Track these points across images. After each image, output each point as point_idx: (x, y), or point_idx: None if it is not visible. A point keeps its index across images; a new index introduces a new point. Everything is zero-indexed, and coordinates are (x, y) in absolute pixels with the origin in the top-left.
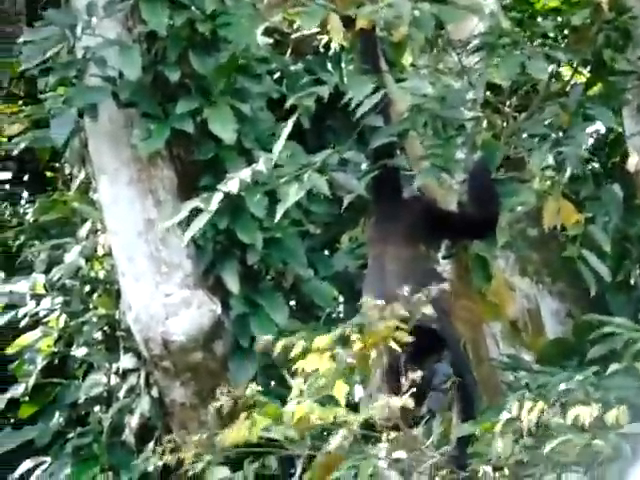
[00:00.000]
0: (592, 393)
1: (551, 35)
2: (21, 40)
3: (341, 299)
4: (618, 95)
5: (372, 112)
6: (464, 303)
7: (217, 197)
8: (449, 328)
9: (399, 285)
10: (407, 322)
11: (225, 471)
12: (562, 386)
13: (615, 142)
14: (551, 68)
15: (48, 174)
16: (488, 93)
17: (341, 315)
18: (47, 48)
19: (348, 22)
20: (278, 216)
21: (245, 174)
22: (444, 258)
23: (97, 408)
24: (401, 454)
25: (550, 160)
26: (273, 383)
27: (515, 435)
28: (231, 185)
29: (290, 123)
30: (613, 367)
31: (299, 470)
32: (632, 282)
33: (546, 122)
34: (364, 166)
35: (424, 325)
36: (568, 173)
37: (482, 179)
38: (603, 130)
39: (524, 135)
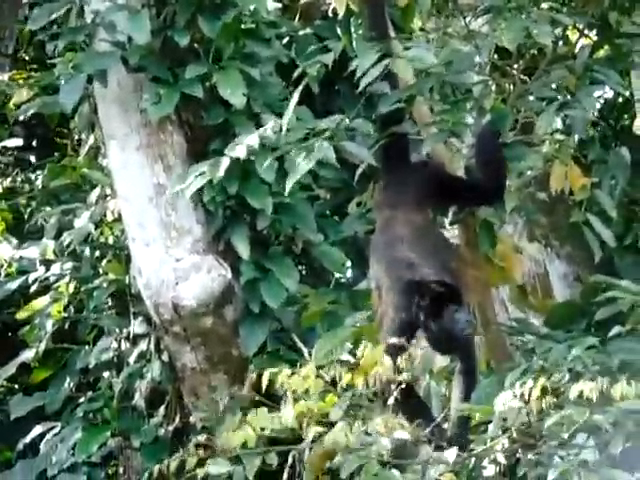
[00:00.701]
0: (592, 365)
1: None
2: (25, 1)
3: (350, 264)
4: (625, 58)
5: (379, 78)
6: (471, 268)
7: (225, 163)
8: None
9: (410, 250)
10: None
11: (225, 465)
12: (564, 355)
13: (624, 105)
14: (557, 31)
15: (57, 140)
16: (496, 57)
17: (350, 280)
18: (54, 10)
19: None
20: (288, 188)
21: (252, 139)
22: (451, 224)
23: (107, 373)
24: (402, 435)
25: (559, 123)
26: (283, 348)
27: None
28: (239, 150)
29: (298, 91)
30: (615, 330)
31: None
32: None
33: (554, 85)
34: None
35: (441, 280)
36: (577, 137)
37: (489, 145)
38: (612, 93)
39: (531, 98)
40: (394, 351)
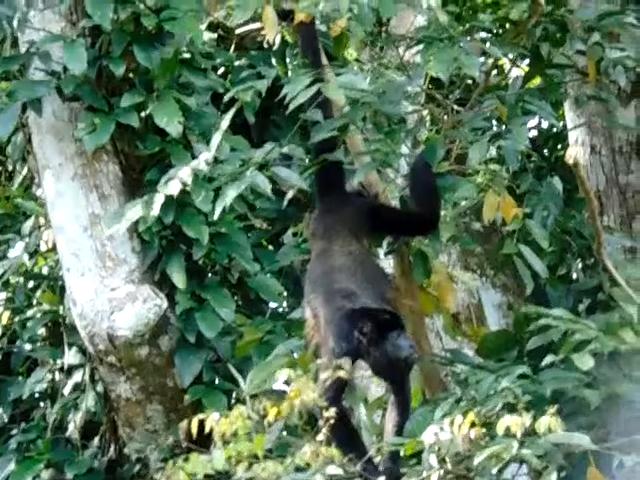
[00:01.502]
0: (523, 395)
1: (490, 29)
2: None
3: (286, 294)
4: (556, 88)
5: (312, 106)
6: (406, 298)
7: (159, 200)
8: None
9: (348, 280)
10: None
11: None
12: (494, 386)
13: (558, 135)
14: (490, 62)
15: None
16: (431, 87)
17: (286, 310)
18: None
19: (286, 16)
20: (217, 214)
21: (185, 173)
22: (386, 254)
23: (41, 404)
24: (334, 470)
25: (493, 153)
26: (219, 378)
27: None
28: (172, 187)
29: (229, 116)
30: (548, 359)
31: None
32: (573, 276)
33: (487, 115)
34: (307, 161)
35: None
36: (510, 167)
37: (423, 175)
38: (546, 124)
39: (465, 129)
40: (330, 380)
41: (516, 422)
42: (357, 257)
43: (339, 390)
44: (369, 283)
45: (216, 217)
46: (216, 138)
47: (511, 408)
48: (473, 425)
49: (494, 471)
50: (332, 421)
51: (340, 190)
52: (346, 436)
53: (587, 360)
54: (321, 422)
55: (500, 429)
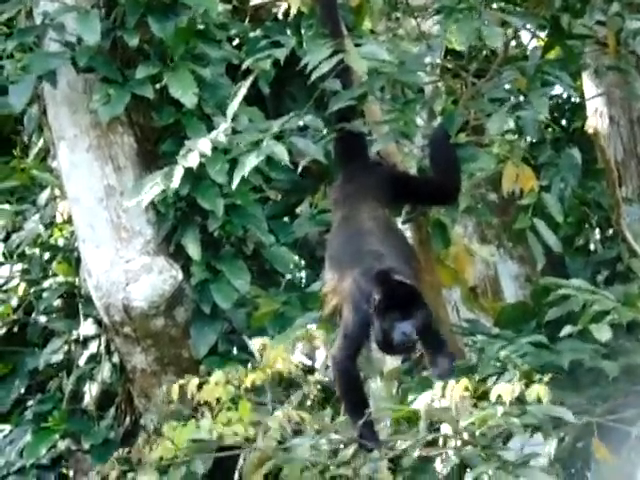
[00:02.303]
0: (522, 364)
1: None
2: None
3: (301, 265)
4: (576, 59)
5: (331, 76)
6: (424, 267)
7: (178, 172)
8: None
9: (376, 243)
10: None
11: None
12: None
13: (576, 106)
14: (509, 32)
15: (12, 138)
16: (448, 58)
17: (303, 281)
18: (2, 11)
19: None
20: (235, 183)
21: (204, 145)
22: (404, 223)
23: (58, 375)
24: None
25: (511, 124)
26: (234, 349)
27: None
28: (191, 159)
29: (245, 85)
30: (566, 330)
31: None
32: (592, 247)
33: (506, 87)
34: (324, 131)
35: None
36: (528, 138)
37: (443, 146)
38: (565, 95)
39: (484, 99)
40: (352, 343)
41: (507, 390)
42: (383, 222)
43: (355, 350)
44: (395, 248)
45: (234, 187)
46: (232, 106)
47: (527, 376)
48: (476, 393)
49: (477, 432)
50: (343, 383)
51: (362, 159)
52: (355, 399)
53: (605, 331)
54: (308, 388)
55: (493, 396)
